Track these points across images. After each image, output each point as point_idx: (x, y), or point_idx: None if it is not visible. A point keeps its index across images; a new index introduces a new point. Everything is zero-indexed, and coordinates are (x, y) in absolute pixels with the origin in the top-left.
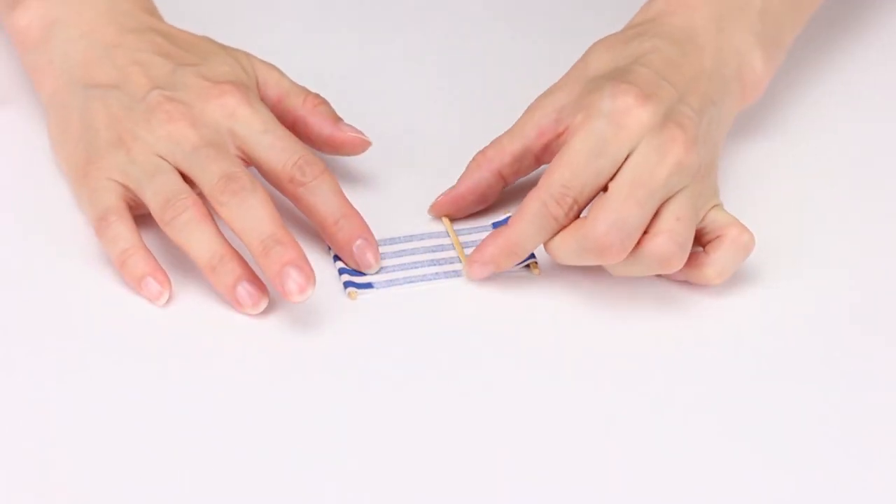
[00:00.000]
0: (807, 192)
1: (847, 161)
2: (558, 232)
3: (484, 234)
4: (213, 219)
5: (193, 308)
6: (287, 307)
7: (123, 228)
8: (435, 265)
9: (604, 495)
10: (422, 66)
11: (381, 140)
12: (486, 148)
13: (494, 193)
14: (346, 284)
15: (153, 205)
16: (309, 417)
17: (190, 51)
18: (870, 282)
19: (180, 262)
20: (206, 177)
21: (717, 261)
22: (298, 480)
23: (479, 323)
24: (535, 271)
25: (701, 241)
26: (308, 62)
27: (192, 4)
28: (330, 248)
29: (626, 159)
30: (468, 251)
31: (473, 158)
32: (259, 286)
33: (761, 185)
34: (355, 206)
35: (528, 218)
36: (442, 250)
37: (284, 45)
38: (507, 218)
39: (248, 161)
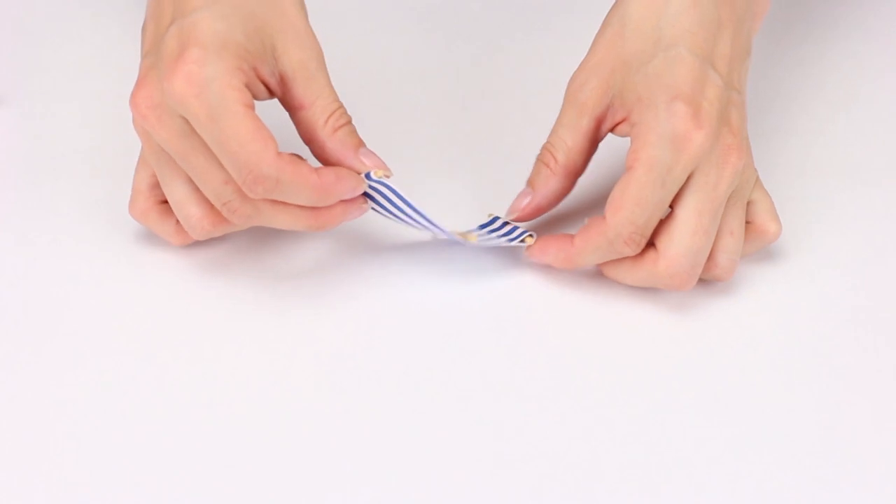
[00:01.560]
0: (810, 189)
1: (850, 159)
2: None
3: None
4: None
5: (194, 307)
6: (288, 310)
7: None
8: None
9: (606, 496)
10: (422, 66)
11: (379, 142)
12: (551, 150)
13: (568, 193)
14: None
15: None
16: (308, 418)
17: None
18: (872, 282)
19: (181, 259)
20: (208, 197)
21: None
22: (300, 482)
23: (481, 323)
24: (529, 241)
25: None
26: None
27: None
28: None
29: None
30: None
31: (543, 162)
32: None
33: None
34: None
35: (593, 248)
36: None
37: None
38: (494, 219)
39: None
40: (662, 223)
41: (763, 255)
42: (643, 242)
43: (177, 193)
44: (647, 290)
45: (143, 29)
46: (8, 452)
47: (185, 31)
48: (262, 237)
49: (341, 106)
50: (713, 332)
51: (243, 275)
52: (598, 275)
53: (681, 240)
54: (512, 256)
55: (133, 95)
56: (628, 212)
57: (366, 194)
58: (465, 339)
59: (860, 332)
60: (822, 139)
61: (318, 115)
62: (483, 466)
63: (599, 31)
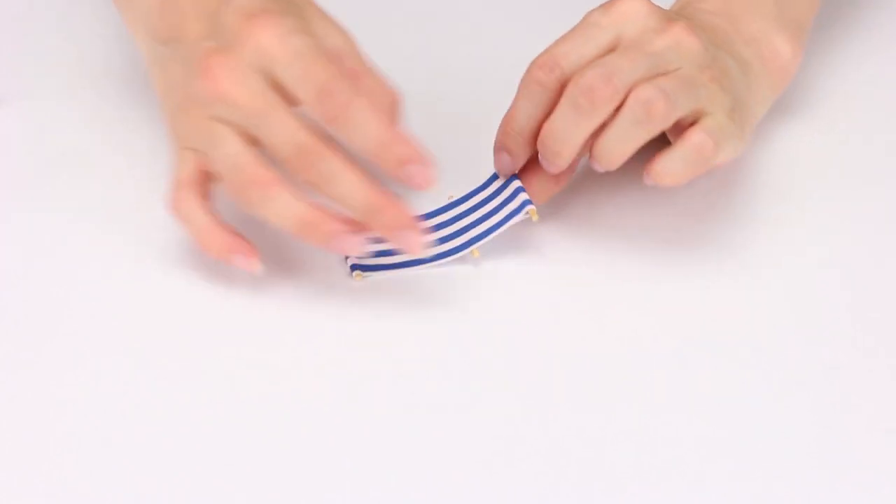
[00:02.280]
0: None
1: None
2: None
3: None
4: (283, 184)
5: (194, 307)
6: (288, 310)
7: (192, 207)
8: (441, 242)
9: (604, 495)
10: (422, 65)
11: None
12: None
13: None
14: (353, 267)
15: (220, 177)
16: (308, 417)
17: None
18: (863, 280)
19: (181, 259)
20: (277, 151)
21: (667, 157)
22: (300, 482)
23: (482, 323)
24: (534, 217)
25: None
26: None
27: None
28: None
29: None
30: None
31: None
32: (360, 229)
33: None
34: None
35: (518, 93)
36: (446, 226)
37: None
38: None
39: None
40: None
41: (753, 252)
42: (557, 71)
43: (230, 147)
44: (642, 289)
45: (161, 69)
46: (8, 452)
47: (242, 4)
48: (263, 238)
49: None
50: (707, 329)
51: (244, 275)
52: (596, 275)
53: (602, 60)
54: (512, 257)
55: (207, 71)
56: (547, 48)
57: (363, 267)
58: (465, 339)
59: (850, 330)
60: (813, 136)
61: None
62: (482, 466)
63: None
